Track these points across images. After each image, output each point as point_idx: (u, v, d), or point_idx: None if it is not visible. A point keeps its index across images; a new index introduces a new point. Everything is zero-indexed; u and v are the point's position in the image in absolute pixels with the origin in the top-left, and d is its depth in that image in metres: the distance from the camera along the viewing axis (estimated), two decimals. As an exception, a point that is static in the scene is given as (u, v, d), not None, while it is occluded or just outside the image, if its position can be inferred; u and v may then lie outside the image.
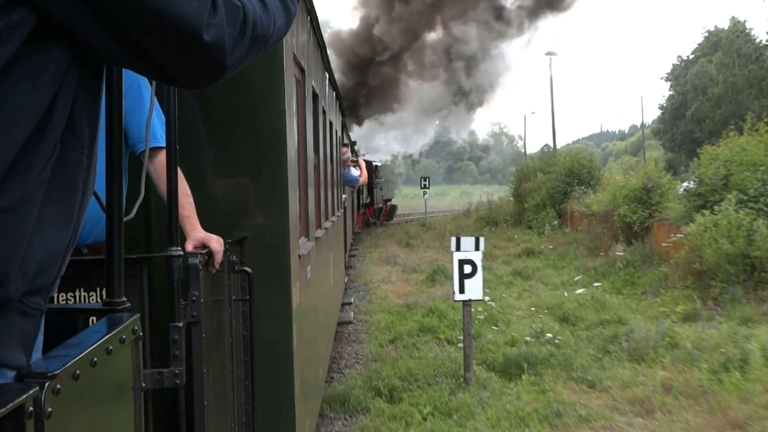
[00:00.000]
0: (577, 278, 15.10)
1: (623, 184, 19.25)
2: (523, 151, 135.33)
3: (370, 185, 34.43)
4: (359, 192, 27.84)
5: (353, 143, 20.43)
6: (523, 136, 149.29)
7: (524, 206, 30.23)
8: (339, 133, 10.82)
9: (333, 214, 8.30)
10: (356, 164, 12.97)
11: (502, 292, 14.01)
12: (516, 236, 25.37)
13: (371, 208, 35.53)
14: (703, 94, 58.25)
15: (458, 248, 7.98)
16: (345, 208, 12.28)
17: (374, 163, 37.00)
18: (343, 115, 12.37)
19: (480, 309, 11.42)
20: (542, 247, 21.34)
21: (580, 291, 12.82)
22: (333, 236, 8.39)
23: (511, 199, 34.47)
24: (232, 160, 3.62)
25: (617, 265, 15.92)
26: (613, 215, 18.72)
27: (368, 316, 12.32)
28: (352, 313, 11.84)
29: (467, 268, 7.95)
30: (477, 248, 8.03)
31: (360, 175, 12.79)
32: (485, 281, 12.45)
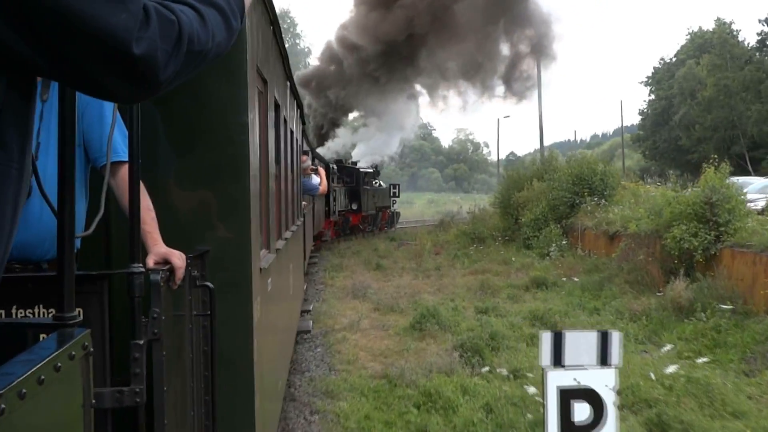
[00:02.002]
0: (666, 349, 9.69)
1: (674, 197, 14.71)
2: (489, 159, 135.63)
3: (358, 191, 34.09)
4: (329, 198, 27.41)
5: (313, 150, 20.39)
6: (488, 144, 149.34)
7: (516, 220, 25.86)
8: (299, 142, 10.81)
9: (293, 223, 8.27)
10: (316, 172, 12.94)
11: (529, 354, 9.38)
12: (513, 258, 20.60)
13: (358, 216, 34.69)
14: (691, 98, 54.99)
15: (559, 359, 4.05)
16: (305, 216, 12.23)
17: (362, 169, 36.69)
18: (303, 123, 12.34)
19: (507, 388, 7.87)
20: (554, 274, 16.91)
21: (671, 369, 8.14)
22: (293, 245, 8.36)
23: (497, 210, 29.50)
24: (195, 173, 3.60)
25: (677, 307, 11.54)
26: (659, 237, 14.14)
27: (329, 401, 7.97)
28: (311, 322, 11.81)
29: (580, 410, 4.00)
30: (605, 361, 4.06)
31: (320, 183, 12.76)
32: (497, 335, 10.25)
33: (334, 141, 39.66)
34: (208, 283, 3.20)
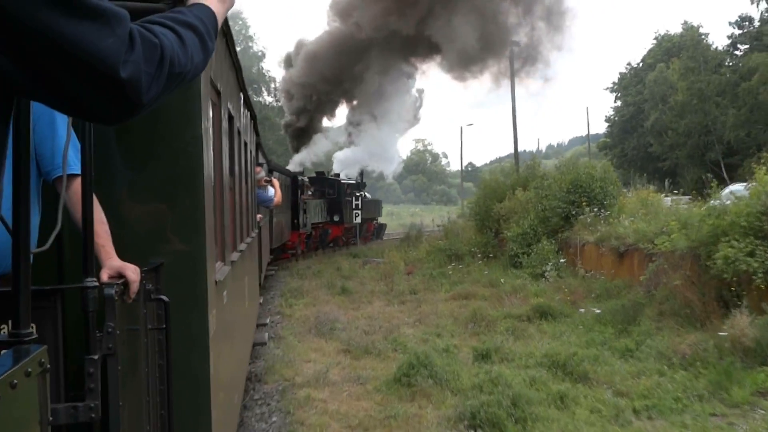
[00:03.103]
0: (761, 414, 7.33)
1: (720, 209, 11.68)
2: (448, 170, 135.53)
3: (339, 203, 33.94)
4: (296, 210, 27.02)
5: (271, 162, 20.23)
6: (447, 155, 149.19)
7: (496, 234, 23.61)
8: (253, 153, 10.76)
9: (248, 235, 8.22)
10: (271, 183, 12.87)
11: (569, 429, 7.20)
12: (501, 279, 17.77)
13: (339, 227, 34.53)
14: (663, 102, 52.91)
15: None
16: (260, 228, 12.15)
17: (343, 180, 36.51)
18: (257, 134, 12.29)
19: None
20: (557, 300, 14.36)
21: None
22: (248, 258, 8.31)
23: (471, 223, 26.92)
24: (148, 186, 3.57)
25: (741, 348, 8.96)
26: (696, 257, 11.50)
27: None
28: (266, 334, 11.70)
29: None
30: None
31: (275, 195, 12.70)
32: (520, 399, 7.57)
33: (316, 146, 39.01)
34: (163, 297, 3.17)
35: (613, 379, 8.97)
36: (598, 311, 12.77)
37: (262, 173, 11.72)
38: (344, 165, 42.01)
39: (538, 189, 21.98)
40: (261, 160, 14.74)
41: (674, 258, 12.10)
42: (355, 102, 40.62)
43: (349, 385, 9.17)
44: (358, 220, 34.14)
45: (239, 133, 7.02)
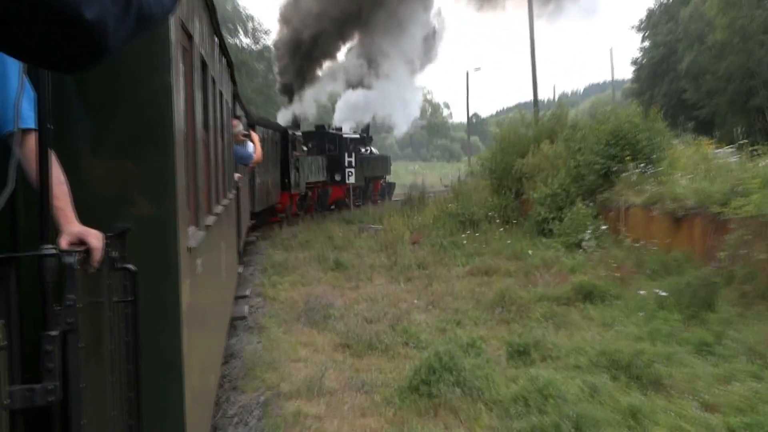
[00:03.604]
0: None
1: None
2: (450, 122, 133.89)
3: (341, 160, 33.31)
4: (287, 167, 26.95)
5: (250, 114, 20.12)
6: (449, 105, 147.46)
7: (517, 195, 22.67)
8: (230, 104, 10.74)
9: (225, 197, 8.25)
10: (249, 138, 12.86)
11: None
12: (529, 250, 16.79)
13: (341, 188, 34.32)
14: (699, 43, 50.74)
15: None
16: (239, 188, 12.17)
17: (346, 135, 36.02)
18: (234, 84, 12.26)
19: None
20: (602, 278, 13.14)
21: None
22: (225, 222, 8.35)
23: (486, 183, 25.74)
24: (112, 141, 3.58)
25: None
26: None
27: None
28: (246, 307, 11.74)
29: None
30: None
31: (255, 151, 12.70)
32: (584, 420, 6.46)
33: (309, 97, 38.32)
34: (130, 266, 3.20)
35: (695, 385, 7.70)
36: (663, 293, 11.24)
37: (239, 127, 11.70)
38: (351, 112, 41.26)
39: (568, 141, 20.92)
40: (239, 112, 14.71)
41: (756, 225, 10.88)
42: (362, 36, 39.37)
43: (350, 395, 8.05)
44: (352, 180, 33.38)
45: (214, 81, 7.01)
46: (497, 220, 21.82)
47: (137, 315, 3.21)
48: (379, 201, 40.10)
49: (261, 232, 23.86)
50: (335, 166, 33.79)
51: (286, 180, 27.22)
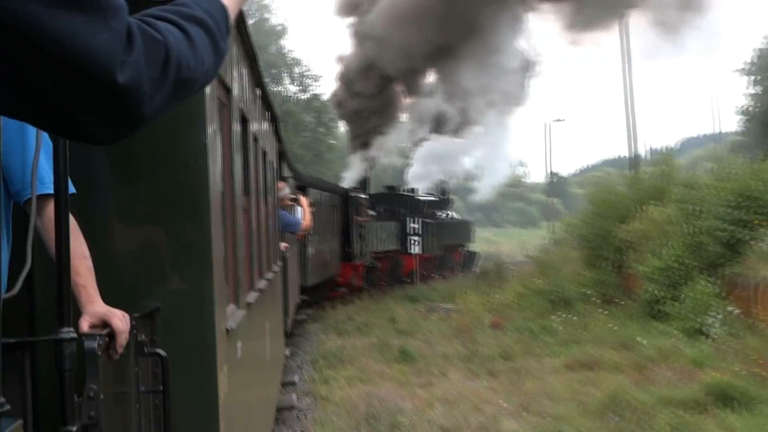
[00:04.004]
0: None
1: None
2: (525, 182, 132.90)
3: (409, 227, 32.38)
4: (349, 235, 26.77)
5: (299, 174, 20.15)
6: (524, 163, 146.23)
7: (619, 269, 21.64)
8: (275, 165, 10.82)
9: (269, 269, 8.25)
10: (297, 202, 12.94)
11: None
12: (639, 338, 15.53)
13: (411, 258, 32.96)
14: None
15: None
16: (286, 260, 12.21)
17: (420, 197, 35.50)
18: (279, 141, 12.38)
19: None
20: (741, 376, 11.84)
21: None
22: (270, 299, 8.34)
23: (576, 253, 24.89)
24: (140, 208, 3.58)
25: None
26: None
27: None
28: (294, 396, 11.67)
29: None
30: None
31: (303, 218, 12.76)
32: None
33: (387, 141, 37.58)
34: (160, 351, 3.17)
35: None
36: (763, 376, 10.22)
37: (286, 190, 11.78)
38: (429, 167, 40.41)
39: (683, 203, 19.80)
40: (286, 172, 14.83)
41: None
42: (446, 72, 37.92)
43: None
44: (416, 249, 32.18)
45: (256, 139, 7.06)
46: (595, 300, 20.62)
47: (168, 407, 3.16)
48: (459, 273, 38.84)
49: (314, 310, 23.48)
50: (394, 231, 33.30)
51: (348, 249, 26.91)
